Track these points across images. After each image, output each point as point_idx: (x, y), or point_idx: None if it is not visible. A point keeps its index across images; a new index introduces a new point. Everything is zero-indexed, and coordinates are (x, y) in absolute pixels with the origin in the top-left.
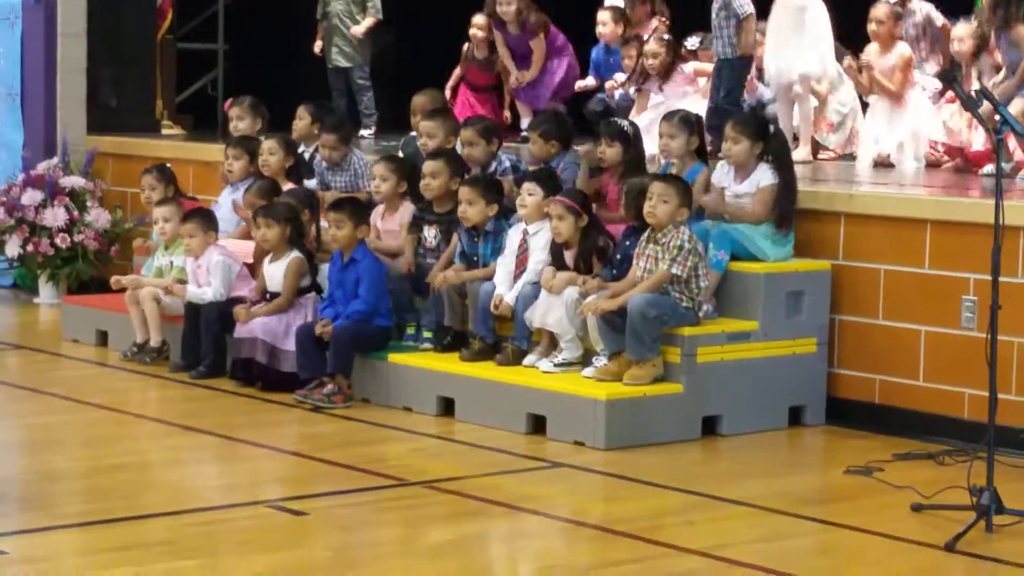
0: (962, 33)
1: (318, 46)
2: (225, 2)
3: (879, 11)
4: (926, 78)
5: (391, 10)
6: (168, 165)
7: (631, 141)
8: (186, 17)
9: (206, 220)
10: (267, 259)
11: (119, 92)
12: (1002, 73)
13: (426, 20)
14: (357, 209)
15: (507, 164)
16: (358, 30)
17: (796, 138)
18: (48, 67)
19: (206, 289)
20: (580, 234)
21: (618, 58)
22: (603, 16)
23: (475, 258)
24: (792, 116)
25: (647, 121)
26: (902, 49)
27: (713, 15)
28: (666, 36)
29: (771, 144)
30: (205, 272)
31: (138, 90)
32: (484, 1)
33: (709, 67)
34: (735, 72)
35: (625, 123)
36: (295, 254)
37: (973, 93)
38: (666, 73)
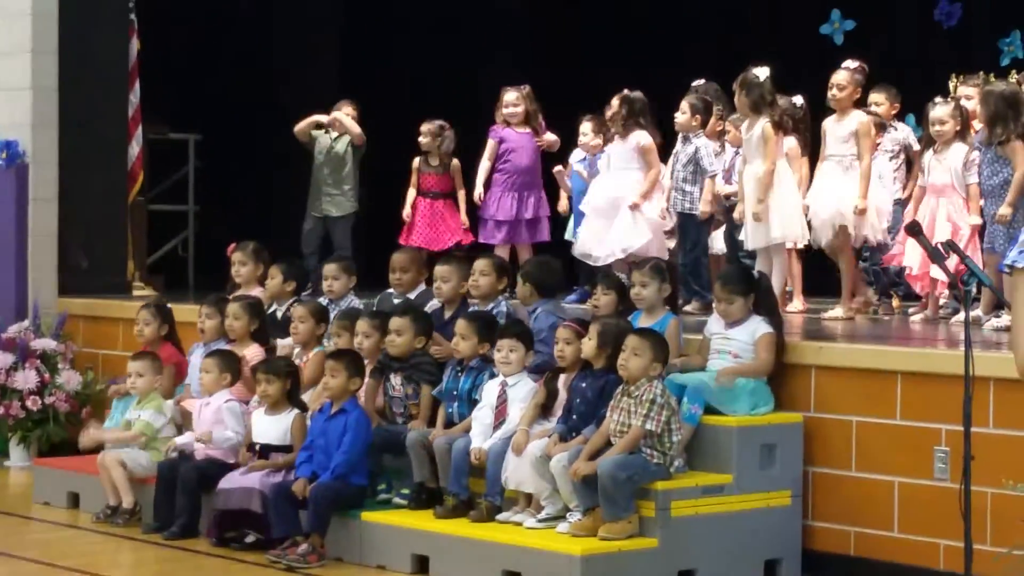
0: (942, 115)
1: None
2: (196, 164)
3: (840, 77)
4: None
5: (361, 169)
6: (168, 304)
7: (626, 292)
8: (156, 179)
9: (225, 361)
10: (260, 411)
11: (90, 255)
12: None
13: (394, 179)
14: (354, 361)
15: (504, 308)
16: (339, 116)
17: None
18: (19, 231)
19: (229, 434)
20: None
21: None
22: (585, 127)
23: (454, 392)
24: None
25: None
26: (860, 116)
27: (679, 169)
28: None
29: (760, 291)
30: (212, 412)
31: (109, 252)
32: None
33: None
34: (701, 225)
35: (623, 275)
36: (298, 412)
37: (939, 245)
38: (622, 124)
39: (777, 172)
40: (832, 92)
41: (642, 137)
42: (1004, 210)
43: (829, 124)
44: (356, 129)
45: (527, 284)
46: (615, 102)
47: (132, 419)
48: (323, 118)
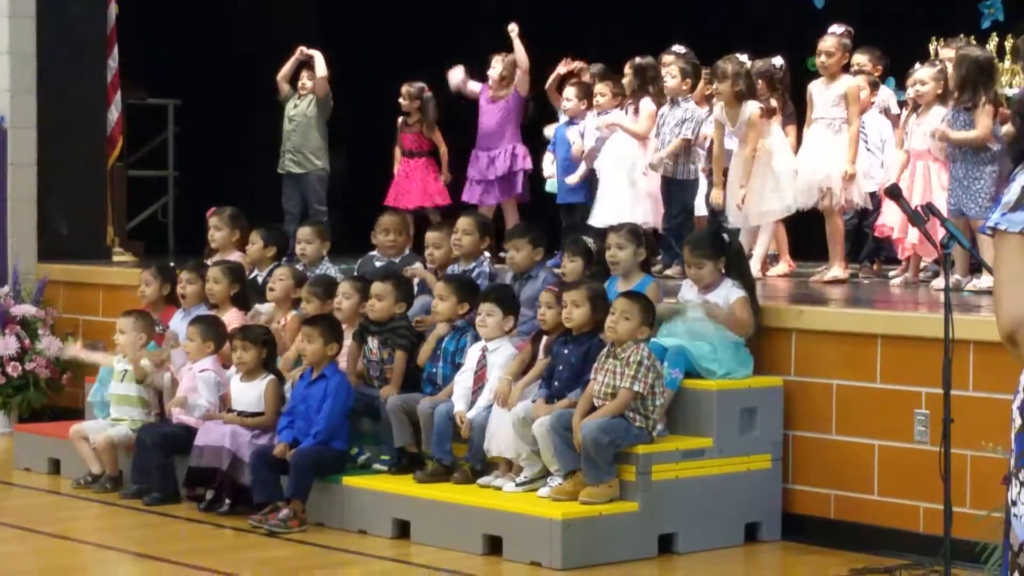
0: (924, 76)
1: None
2: (175, 129)
3: (828, 43)
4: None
5: (342, 131)
6: (172, 264)
7: (593, 258)
8: (136, 144)
9: (209, 328)
10: (236, 378)
11: (70, 220)
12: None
13: (376, 142)
14: (330, 326)
15: (486, 269)
16: (316, 54)
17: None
18: None
19: (202, 402)
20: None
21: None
22: (568, 92)
23: (437, 353)
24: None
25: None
26: (849, 80)
27: (665, 133)
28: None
29: (730, 254)
30: (191, 378)
31: (89, 218)
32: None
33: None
34: (685, 190)
35: (591, 240)
36: (272, 376)
37: (919, 209)
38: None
39: (772, 143)
40: (821, 59)
41: (645, 104)
42: (945, 135)
43: (817, 87)
44: (323, 71)
45: (539, 248)
46: (627, 70)
47: (120, 369)
48: (305, 49)
